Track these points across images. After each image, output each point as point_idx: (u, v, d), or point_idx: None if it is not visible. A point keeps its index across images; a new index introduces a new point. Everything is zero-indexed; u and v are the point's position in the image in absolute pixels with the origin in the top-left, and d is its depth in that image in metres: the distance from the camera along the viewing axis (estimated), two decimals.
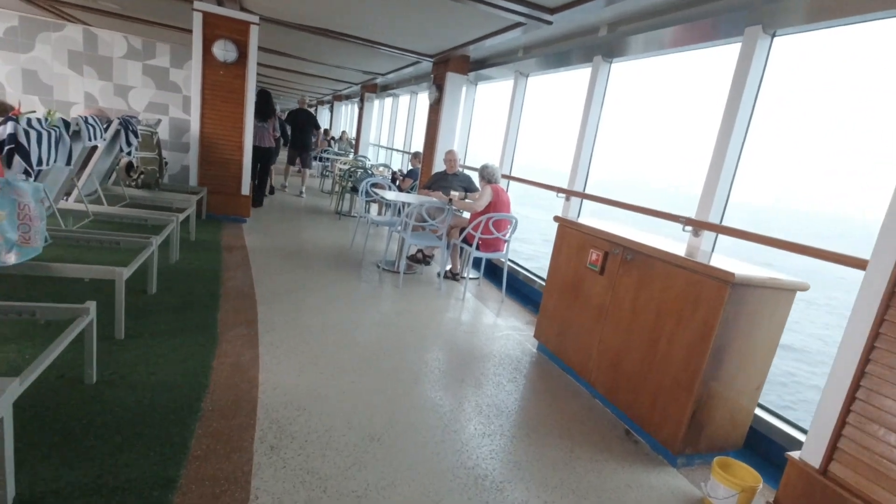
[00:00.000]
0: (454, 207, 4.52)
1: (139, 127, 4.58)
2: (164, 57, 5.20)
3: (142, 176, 4.60)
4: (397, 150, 10.38)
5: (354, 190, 7.44)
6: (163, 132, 5.40)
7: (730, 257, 2.49)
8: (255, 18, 5.38)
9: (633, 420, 2.54)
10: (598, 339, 2.84)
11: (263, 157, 6.88)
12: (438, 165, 6.42)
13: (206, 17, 5.20)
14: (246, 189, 5.82)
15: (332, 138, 13.71)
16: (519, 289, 4.96)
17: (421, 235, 4.70)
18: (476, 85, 6.63)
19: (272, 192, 8.42)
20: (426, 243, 4.61)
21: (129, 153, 3.92)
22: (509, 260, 4.71)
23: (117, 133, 3.78)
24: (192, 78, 5.32)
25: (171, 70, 5.27)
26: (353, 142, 13.69)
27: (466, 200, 5.02)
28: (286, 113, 9.03)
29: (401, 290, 4.39)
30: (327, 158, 10.66)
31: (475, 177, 5.57)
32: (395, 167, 9.56)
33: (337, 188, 8.38)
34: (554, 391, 2.91)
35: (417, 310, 3.91)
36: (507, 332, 3.78)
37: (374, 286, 4.35)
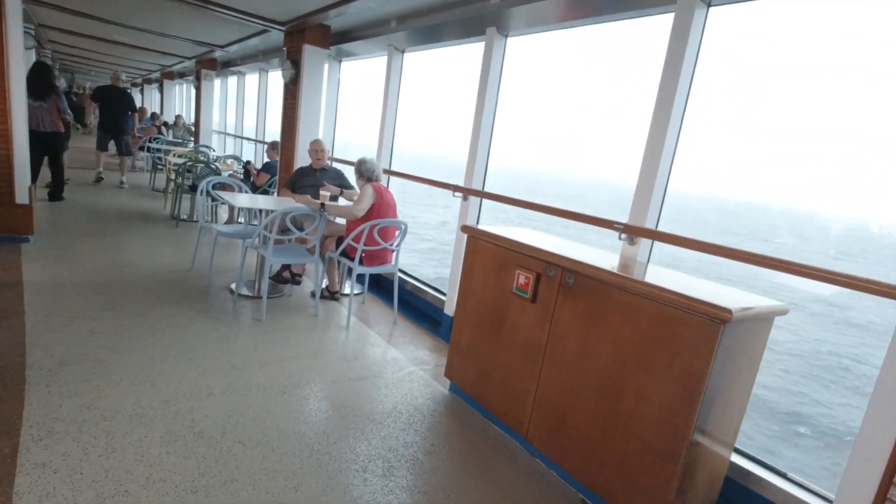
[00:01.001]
0: (328, 213, 3.60)
1: None
2: None
3: None
4: (248, 139, 8.86)
5: (194, 189, 5.98)
6: None
7: (660, 266, 2.04)
8: None
9: (592, 490, 1.98)
10: (533, 385, 2.23)
11: (49, 144, 5.37)
12: (301, 158, 5.35)
13: None
14: (23, 195, 4.15)
15: (165, 123, 11.43)
16: (410, 302, 4.22)
17: (287, 249, 3.69)
18: (340, 62, 5.64)
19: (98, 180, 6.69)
20: (295, 259, 3.62)
21: None
22: (399, 271, 3.94)
23: None
24: None
25: None
26: (192, 129, 11.59)
27: (342, 204, 4.10)
28: (93, 90, 7.84)
29: (265, 323, 3.36)
30: (158, 149, 8.69)
31: (348, 172, 4.67)
32: (248, 158, 8.09)
33: (171, 186, 6.75)
34: (482, 453, 2.25)
35: (289, 353, 2.95)
36: (409, 368, 3.03)
37: (228, 323, 3.26)
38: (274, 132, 8.34)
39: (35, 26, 8.32)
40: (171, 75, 13.76)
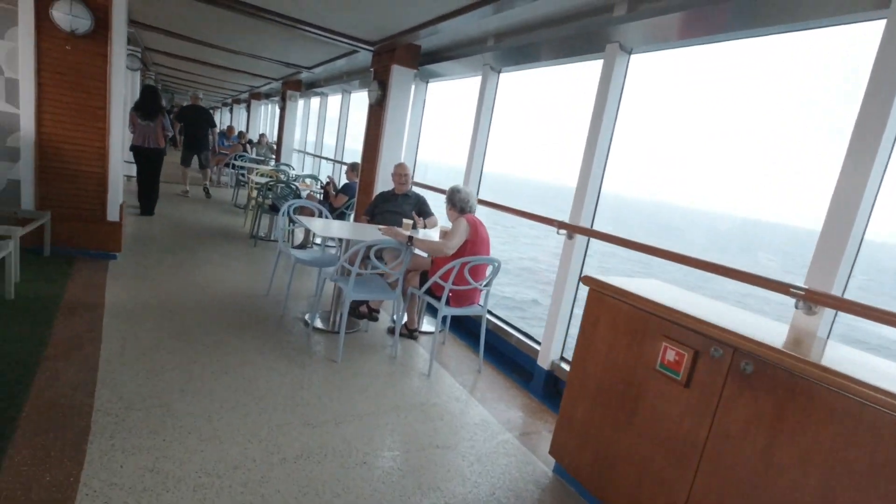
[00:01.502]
0: (413, 247, 3.26)
1: None
2: None
3: None
4: (326, 159, 8.89)
5: (274, 209, 5.94)
6: None
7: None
8: None
9: None
10: (683, 496, 1.70)
11: (152, 160, 6.10)
12: (383, 181, 5.12)
13: None
14: (114, 213, 4.17)
15: (249, 141, 11.87)
16: (496, 346, 3.78)
17: (367, 284, 3.39)
18: (427, 83, 5.40)
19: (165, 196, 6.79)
20: (375, 296, 3.30)
21: None
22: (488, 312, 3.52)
23: None
24: (20, 53, 3.64)
25: None
26: (274, 147, 11.96)
27: (430, 236, 3.76)
28: (178, 110, 8.61)
29: (340, 365, 3.05)
30: (242, 167, 8.93)
31: (431, 199, 4.35)
32: (325, 176, 8.10)
33: (252, 204, 6.79)
34: None
35: (367, 406, 2.60)
36: (502, 436, 2.58)
37: (302, 363, 2.97)
38: (354, 153, 8.32)
39: (142, 49, 8.87)
40: (259, 96, 14.40)
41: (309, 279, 4.78)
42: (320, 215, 4.33)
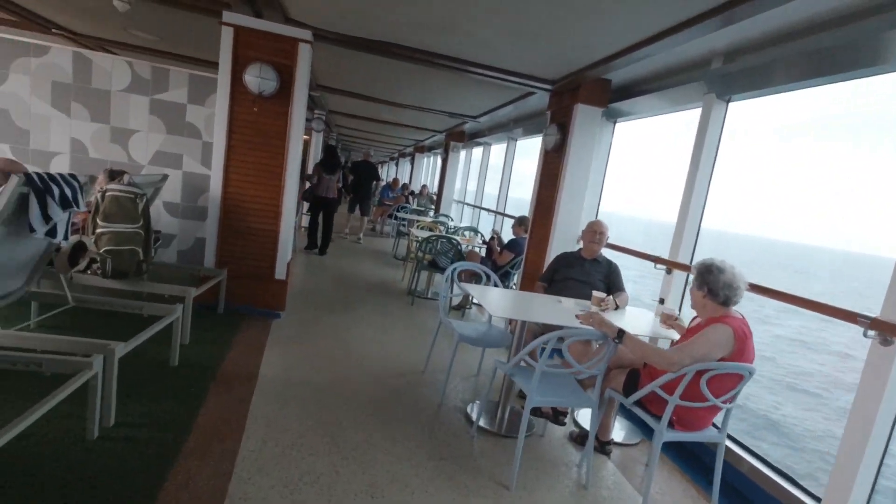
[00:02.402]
0: (624, 345, 2.36)
1: (116, 188, 3.00)
2: (181, 90, 3.74)
3: (106, 263, 2.97)
4: (487, 210, 8.48)
5: (434, 265, 5.54)
6: (171, 192, 3.87)
7: None
8: (307, 34, 3.79)
9: None
10: None
11: (330, 208, 7.20)
12: (560, 240, 4.34)
13: (239, 33, 3.69)
14: (282, 271, 4.08)
15: (412, 193, 12.21)
16: (737, 487, 2.60)
17: (552, 380, 2.57)
18: (615, 123, 4.57)
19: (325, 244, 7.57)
20: (566, 401, 2.47)
21: (52, 234, 2.25)
22: (728, 437, 2.41)
23: (23, 202, 2.12)
24: (216, 117, 3.78)
25: (188, 108, 3.79)
26: (434, 198, 12.10)
27: (651, 339, 2.81)
28: (350, 164, 10.07)
29: (513, 497, 2.25)
30: (404, 219, 8.99)
31: (623, 264, 3.43)
32: (490, 231, 7.64)
33: (411, 256, 6.56)
34: None
35: None
36: None
37: (464, 487, 2.24)
38: (517, 203, 7.77)
39: (326, 112, 9.68)
40: (423, 149, 15.01)
41: (473, 352, 4.13)
42: (487, 280, 3.68)
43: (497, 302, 2.98)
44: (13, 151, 3.58)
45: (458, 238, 5.80)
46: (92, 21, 5.18)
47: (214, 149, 3.81)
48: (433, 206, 11.64)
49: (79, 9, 4.75)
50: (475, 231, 7.25)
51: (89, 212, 3.23)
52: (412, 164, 16.05)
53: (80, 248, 2.66)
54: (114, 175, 3.23)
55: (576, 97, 4.22)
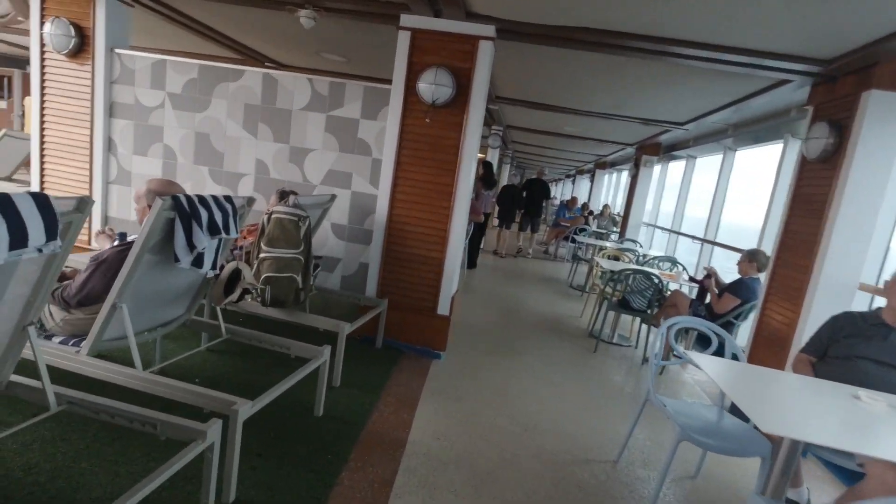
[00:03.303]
0: None
1: (281, 210, 2.77)
2: (354, 104, 3.49)
3: (265, 292, 2.73)
4: (687, 236, 6.98)
5: (625, 305, 4.49)
6: (339, 213, 3.62)
7: None
8: (489, 30, 3.22)
9: None
10: None
11: (482, 224, 7.26)
12: (826, 295, 2.98)
13: (417, 36, 3.29)
14: (445, 306, 3.54)
15: (591, 213, 11.05)
16: None
17: None
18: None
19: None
20: None
21: (198, 264, 1.99)
22: None
23: (170, 227, 1.87)
24: (386, 131, 3.43)
25: (360, 123, 3.52)
26: (618, 219, 10.75)
27: None
28: (524, 182, 10.40)
29: None
30: (581, 243, 7.96)
31: None
32: (686, 259, 6.20)
33: (592, 287, 5.57)
34: None
35: None
36: None
37: None
38: (731, 231, 6.18)
39: (504, 128, 9.24)
40: (604, 165, 13.69)
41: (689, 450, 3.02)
42: (718, 350, 2.57)
43: (746, 390, 1.90)
44: (210, 174, 3.73)
45: (656, 273, 4.64)
46: (290, 50, 5.48)
47: (383, 166, 3.47)
48: (617, 229, 10.32)
49: (280, 39, 5.02)
50: (674, 263, 5.90)
51: (248, 235, 3.10)
52: (592, 181, 14.79)
53: (237, 276, 2.43)
54: (283, 196, 3.05)
55: (865, 82, 2.85)
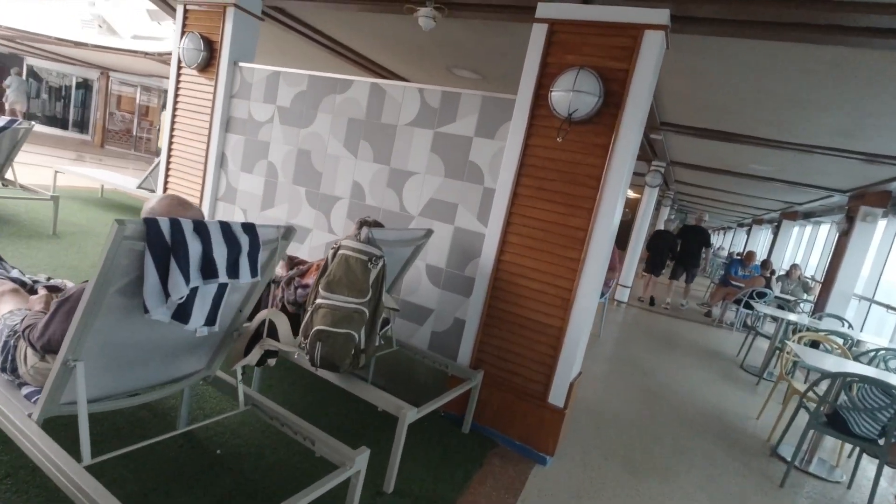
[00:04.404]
0: None
1: (350, 245, 2.16)
2: (468, 118, 2.78)
3: (315, 349, 2.09)
4: (882, 306, 4.85)
5: (837, 425, 2.98)
6: (437, 253, 2.89)
7: None
8: (662, 15, 2.28)
9: None
10: None
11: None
12: None
13: (556, 29, 2.48)
14: (560, 394, 2.56)
15: (772, 272, 8.81)
16: None
17: None
18: None
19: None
20: None
21: (181, 317, 1.40)
22: None
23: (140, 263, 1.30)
24: (505, 152, 2.65)
25: (474, 142, 2.79)
26: (811, 285, 8.42)
27: None
28: (679, 228, 9.77)
29: None
30: (760, 312, 6.13)
31: None
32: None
33: (780, 379, 4.03)
34: None
35: None
36: None
37: None
38: None
39: (667, 164, 7.86)
40: (794, 215, 11.13)
41: None
42: None
43: None
44: (307, 196, 3.33)
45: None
46: (418, 65, 5.07)
47: (496, 198, 2.68)
48: (810, 298, 8.05)
49: (405, 50, 4.62)
50: None
51: (316, 271, 2.51)
52: (775, 234, 12.18)
53: (257, 336, 1.82)
54: (364, 227, 2.44)
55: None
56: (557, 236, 2.54)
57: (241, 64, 3.54)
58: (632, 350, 5.39)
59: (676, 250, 8.56)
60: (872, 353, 4.36)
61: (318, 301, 2.19)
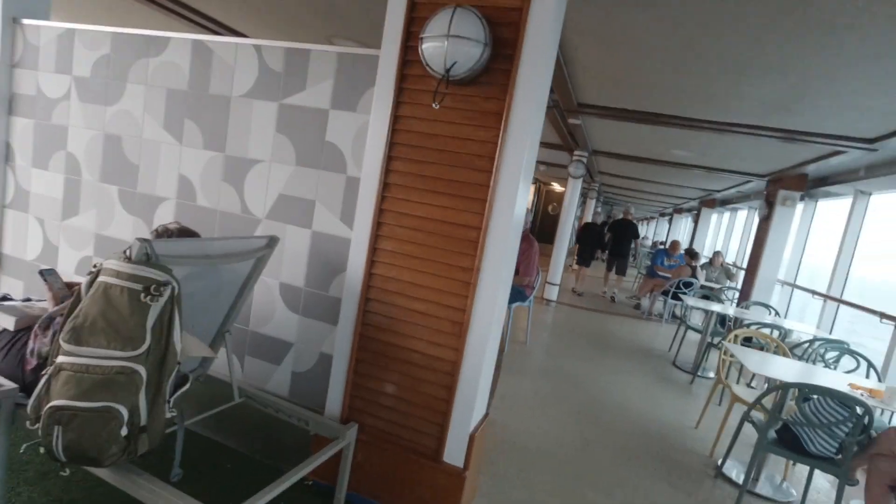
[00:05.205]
0: None
1: (113, 268, 1.37)
2: (322, 85, 2.05)
3: (54, 436, 1.31)
4: (858, 308, 4.72)
5: (789, 443, 2.54)
6: (293, 268, 2.14)
7: None
8: None
9: None
10: None
11: None
12: None
13: None
14: (457, 450, 1.90)
15: (697, 261, 8.75)
16: None
17: None
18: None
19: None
20: None
21: None
22: None
23: None
24: (369, 128, 1.94)
25: (331, 116, 2.07)
26: (733, 271, 8.43)
27: None
28: (609, 222, 10.18)
29: None
30: (684, 303, 5.83)
31: None
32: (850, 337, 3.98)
33: (721, 384, 3.64)
34: None
35: None
36: None
37: None
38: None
39: (590, 153, 7.51)
40: (712, 203, 11.33)
41: None
42: None
43: None
44: (121, 197, 2.45)
45: (861, 396, 2.62)
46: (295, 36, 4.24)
47: (362, 189, 1.97)
48: (733, 284, 8.03)
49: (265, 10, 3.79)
50: (854, 355, 3.74)
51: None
52: (696, 222, 12.40)
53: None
54: (164, 235, 1.66)
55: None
56: (444, 239, 1.87)
57: (23, 21, 2.60)
58: (561, 358, 4.89)
59: (605, 242, 9.21)
60: (807, 345, 4.09)
61: (60, 359, 1.38)
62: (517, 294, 4.53)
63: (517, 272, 4.64)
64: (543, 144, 7.51)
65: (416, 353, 1.93)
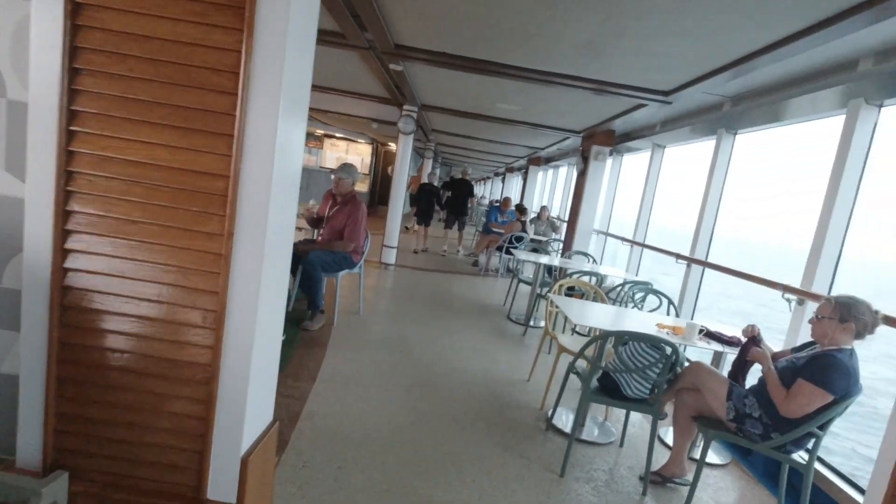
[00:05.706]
0: None
1: None
2: None
3: None
4: (664, 252, 5.27)
5: (610, 389, 2.57)
6: None
7: None
8: None
9: None
10: None
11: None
12: None
13: None
14: (227, 485, 1.40)
15: (526, 216, 9.21)
16: None
17: None
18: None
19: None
20: None
21: None
22: None
23: None
24: (32, 25, 1.22)
25: None
26: (557, 224, 9.07)
27: None
28: (445, 181, 10.57)
29: None
30: (516, 257, 5.97)
31: None
32: (654, 278, 4.43)
33: (549, 335, 3.69)
34: None
35: None
36: None
37: None
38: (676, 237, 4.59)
39: (419, 108, 7.18)
40: (538, 161, 12.09)
41: None
42: None
43: None
44: None
45: (670, 338, 2.73)
46: None
47: (31, 120, 1.26)
48: (558, 236, 8.63)
49: None
50: (657, 294, 4.09)
51: None
52: (525, 179, 13.16)
53: None
54: None
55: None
56: (176, 194, 1.28)
57: None
58: (397, 325, 4.59)
59: (441, 201, 9.45)
60: (619, 288, 4.39)
61: None
62: (343, 260, 4.05)
63: (341, 237, 4.15)
64: (370, 97, 6.99)
65: (152, 360, 1.34)
